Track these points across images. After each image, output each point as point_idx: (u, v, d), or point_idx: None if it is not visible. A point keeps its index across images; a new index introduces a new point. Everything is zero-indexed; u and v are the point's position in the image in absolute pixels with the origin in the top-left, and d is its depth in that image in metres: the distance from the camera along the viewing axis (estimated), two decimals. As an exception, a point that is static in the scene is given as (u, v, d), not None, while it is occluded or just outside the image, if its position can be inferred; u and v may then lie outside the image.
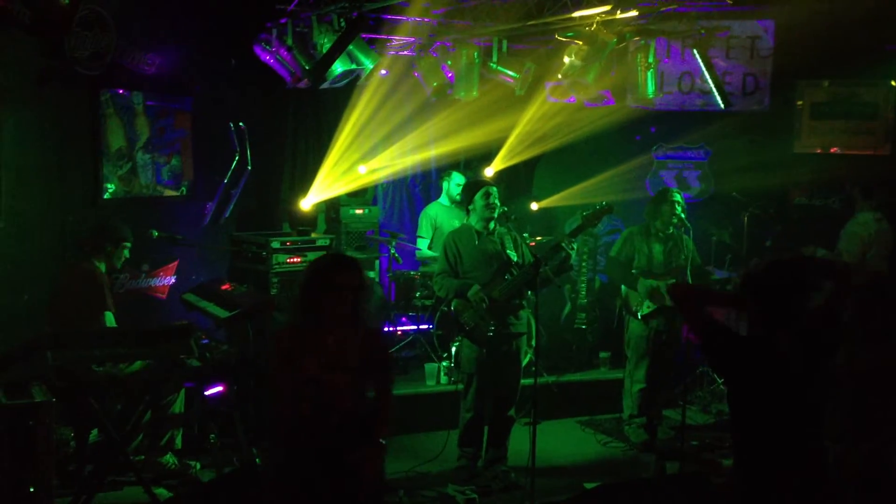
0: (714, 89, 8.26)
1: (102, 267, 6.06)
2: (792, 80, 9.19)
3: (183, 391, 6.06)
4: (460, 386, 6.34)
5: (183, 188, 7.77)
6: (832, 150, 9.19)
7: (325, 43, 7.19)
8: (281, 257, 7.09)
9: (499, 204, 6.20)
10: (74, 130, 6.91)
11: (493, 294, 6.02)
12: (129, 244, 6.14)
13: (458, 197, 7.96)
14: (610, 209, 6.38)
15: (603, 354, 8.27)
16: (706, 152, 9.66)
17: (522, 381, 6.38)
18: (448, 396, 6.54)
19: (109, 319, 5.86)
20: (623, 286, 7.11)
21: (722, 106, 8.34)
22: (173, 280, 7.58)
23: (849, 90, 9.17)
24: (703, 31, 8.31)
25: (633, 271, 6.99)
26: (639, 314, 6.93)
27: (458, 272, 6.17)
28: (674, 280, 6.88)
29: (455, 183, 8.07)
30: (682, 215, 6.89)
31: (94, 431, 5.97)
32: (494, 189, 6.23)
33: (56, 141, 6.78)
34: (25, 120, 6.54)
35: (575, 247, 6.14)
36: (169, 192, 7.66)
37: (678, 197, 6.98)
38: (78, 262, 6.08)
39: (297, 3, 7.16)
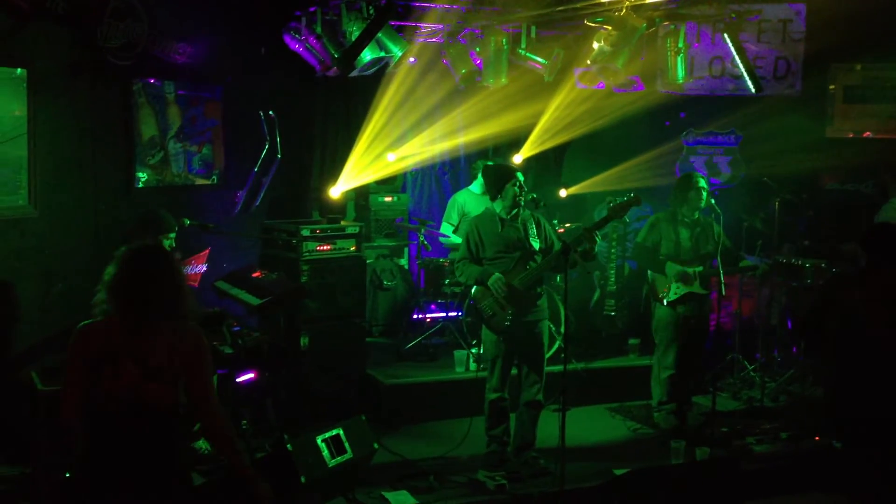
0: (745, 74, 8.17)
1: None
2: (824, 64, 9.08)
3: (216, 378, 6.11)
4: (485, 369, 6.36)
5: (214, 177, 7.84)
6: (865, 135, 9.08)
7: (354, 31, 7.21)
8: (311, 245, 7.13)
9: (526, 191, 6.19)
10: (107, 120, 6.99)
11: (514, 282, 6.01)
12: (173, 234, 6.19)
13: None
14: (638, 200, 6.31)
15: (632, 341, 8.25)
16: (737, 137, 9.58)
17: (551, 367, 6.38)
18: (477, 383, 6.54)
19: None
20: (649, 272, 7.08)
21: (753, 90, 8.25)
22: (205, 268, 7.66)
23: (882, 73, 9.05)
24: (733, 15, 8.21)
25: (661, 257, 6.96)
26: (665, 300, 6.90)
27: (479, 259, 6.16)
28: (701, 268, 6.84)
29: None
30: (712, 201, 6.83)
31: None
32: (521, 176, 6.21)
33: (89, 131, 6.85)
34: (58, 110, 6.62)
35: (598, 238, 6.09)
36: (200, 181, 7.73)
37: (703, 182, 6.93)
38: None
39: (326, -9, 7.20)
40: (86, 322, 3.64)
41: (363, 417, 5.81)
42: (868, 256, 5.17)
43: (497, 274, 6.00)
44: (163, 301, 3.59)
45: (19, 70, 6.38)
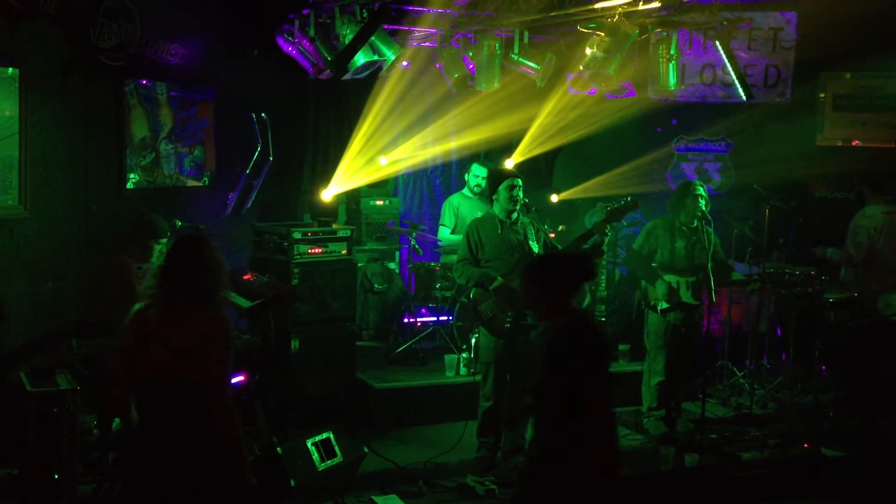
0: (736, 81, 8.21)
1: (138, 259, 6.13)
2: (814, 73, 9.14)
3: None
4: (479, 377, 6.36)
5: (205, 178, 7.83)
6: (854, 143, 9.14)
7: (347, 34, 7.21)
8: (302, 248, 7.12)
9: (522, 196, 6.21)
10: (99, 120, 6.97)
11: (513, 285, 6.03)
12: (164, 240, 6.18)
13: (476, 189, 7.97)
14: (635, 204, 6.34)
15: (622, 347, 8.27)
16: (727, 145, 9.63)
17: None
18: (467, 388, 6.56)
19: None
20: (642, 281, 7.10)
21: (744, 98, 8.29)
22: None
23: (872, 83, 9.12)
24: (725, 23, 8.24)
25: (654, 265, 6.98)
26: (658, 307, 6.92)
27: (478, 260, 6.19)
28: (695, 278, 6.85)
29: (474, 174, 8.08)
30: (706, 209, 6.86)
31: (118, 420, 6.03)
32: (519, 181, 6.24)
33: (80, 131, 6.84)
34: (50, 110, 6.61)
35: (609, 233, 6.13)
36: (192, 183, 7.72)
37: (702, 190, 6.94)
38: (112, 256, 6.13)
39: (318, -6, 7.19)
40: (138, 306, 3.98)
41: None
42: None
43: (499, 279, 6.01)
44: (193, 287, 3.81)
45: (11, 70, 6.36)
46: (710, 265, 6.69)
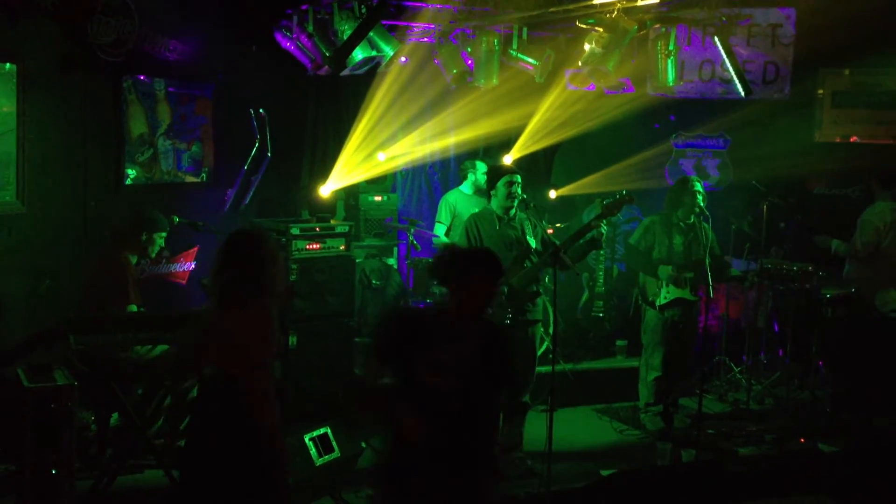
0: (735, 77, 8.20)
1: (134, 259, 6.16)
2: (813, 69, 9.14)
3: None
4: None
5: (203, 174, 7.82)
6: (852, 140, 9.14)
7: (345, 30, 7.20)
8: (300, 244, 7.11)
9: (520, 192, 6.22)
10: (97, 116, 6.96)
11: (512, 281, 6.04)
12: (164, 234, 6.21)
13: (484, 185, 7.97)
14: (630, 199, 6.35)
15: (620, 342, 8.28)
16: (725, 141, 9.63)
17: (540, 368, 6.41)
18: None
19: (135, 309, 5.93)
20: (641, 275, 7.10)
21: (743, 94, 8.29)
22: (193, 266, 7.65)
23: (871, 79, 9.12)
24: (724, 19, 8.24)
25: (652, 260, 6.98)
26: (656, 303, 6.92)
27: None
28: (692, 274, 6.85)
29: (481, 171, 8.08)
30: (703, 204, 6.86)
31: (115, 415, 6.05)
32: (518, 177, 6.25)
33: (78, 127, 6.82)
34: (48, 106, 6.59)
35: (605, 229, 6.13)
36: (190, 179, 7.72)
37: (699, 186, 6.95)
38: (109, 251, 6.15)
39: (318, -10, 7.18)
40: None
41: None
42: None
43: None
44: (248, 280, 3.91)
45: (8, 65, 6.34)
46: (707, 261, 6.70)
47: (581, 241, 6.12)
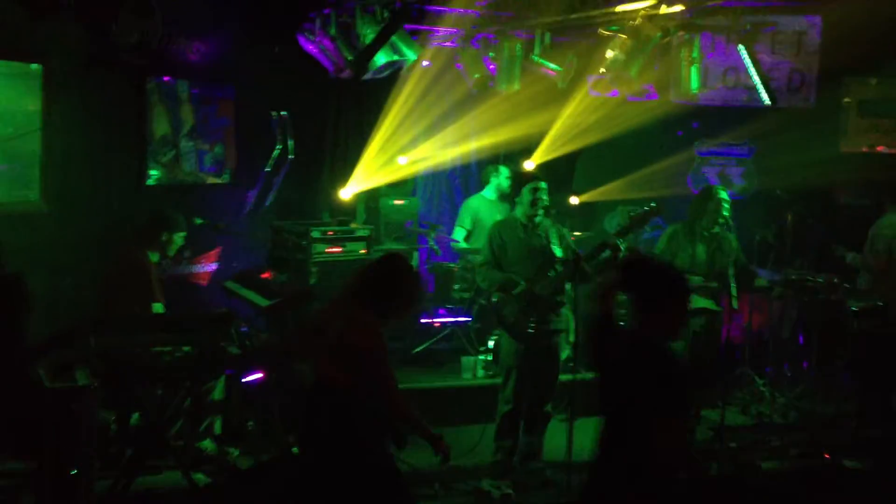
0: (759, 85, 8.12)
1: (155, 257, 6.17)
2: (839, 77, 9.05)
3: (223, 378, 6.10)
4: (498, 380, 6.33)
5: (225, 175, 7.83)
6: (878, 149, 9.04)
7: (368, 33, 7.19)
8: (321, 247, 7.11)
9: (545, 199, 6.17)
10: (120, 117, 6.99)
11: (536, 289, 6.00)
12: (183, 234, 6.23)
13: (508, 190, 7.93)
14: (658, 211, 6.27)
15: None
16: (750, 149, 9.55)
17: (560, 376, 6.35)
18: (484, 390, 6.53)
19: (157, 310, 5.93)
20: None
21: (767, 102, 8.20)
22: (215, 267, 7.64)
23: (898, 88, 9.02)
24: (748, 26, 8.17)
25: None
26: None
27: (501, 264, 6.15)
28: (716, 284, 6.77)
29: (505, 176, 8.04)
30: (727, 214, 6.77)
31: (135, 415, 6.04)
32: (543, 184, 6.21)
33: (102, 127, 6.86)
34: (72, 106, 6.62)
35: (623, 246, 6.06)
36: (212, 180, 7.73)
37: (724, 195, 6.85)
38: (129, 251, 6.16)
39: (340, -7, 7.18)
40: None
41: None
42: None
43: (522, 284, 5.98)
44: (373, 295, 4.15)
45: (34, 65, 6.38)
46: (731, 271, 6.61)
47: (602, 256, 6.05)
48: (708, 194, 6.92)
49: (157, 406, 5.82)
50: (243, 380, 5.93)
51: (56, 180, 6.52)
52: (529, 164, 8.93)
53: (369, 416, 4.15)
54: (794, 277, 7.79)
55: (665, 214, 8.58)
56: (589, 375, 7.67)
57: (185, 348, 5.74)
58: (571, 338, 6.67)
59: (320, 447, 4.17)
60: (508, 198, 7.86)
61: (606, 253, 6.01)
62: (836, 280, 7.67)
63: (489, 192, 8.17)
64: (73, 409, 4.83)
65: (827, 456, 6.58)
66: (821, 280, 7.72)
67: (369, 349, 4.11)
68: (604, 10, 7.44)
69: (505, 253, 6.13)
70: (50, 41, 6.42)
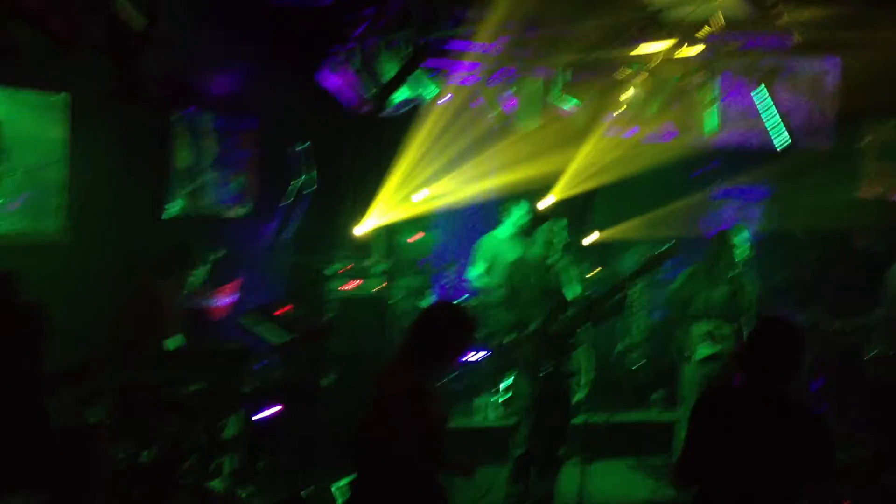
0: (777, 127, 8.13)
1: (173, 292, 6.17)
2: (858, 120, 9.01)
3: (237, 415, 6.09)
4: (511, 421, 6.30)
5: (246, 207, 7.87)
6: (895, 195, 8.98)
7: (390, 69, 7.24)
8: (338, 282, 7.12)
9: (563, 237, 6.18)
10: (144, 148, 7.04)
11: (550, 331, 5.99)
12: (201, 270, 6.22)
13: (524, 226, 7.92)
14: (675, 251, 6.26)
15: (655, 396, 8.14)
16: (768, 190, 9.51)
17: (574, 420, 6.33)
18: (496, 432, 6.49)
19: (174, 344, 5.93)
20: (680, 328, 6.99)
21: (785, 144, 8.20)
22: (232, 299, 7.63)
23: (917, 132, 8.97)
24: (767, 68, 8.19)
25: (692, 312, 6.86)
26: (694, 358, 6.81)
27: (516, 305, 6.15)
28: (731, 327, 6.72)
29: (524, 212, 8.05)
30: (742, 258, 6.74)
31: (145, 452, 6.03)
32: (561, 223, 6.21)
33: (125, 158, 6.89)
34: (96, 136, 6.66)
35: (635, 289, 6.06)
36: (233, 212, 7.78)
37: (739, 239, 6.83)
38: (147, 283, 6.16)
39: (364, 29, 7.22)
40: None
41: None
42: None
43: (534, 325, 5.98)
44: (407, 352, 3.99)
45: (59, 95, 6.43)
46: (752, 313, 6.57)
47: (615, 298, 6.05)
48: (722, 239, 6.88)
49: (170, 442, 5.80)
50: (257, 417, 5.91)
51: (79, 210, 6.56)
52: (548, 201, 8.92)
53: (413, 481, 3.99)
54: (809, 323, 7.74)
55: (684, 254, 8.58)
56: (602, 419, 7.65)
57: (200, 384, 5.77)
58: (583, 380, 6.64)
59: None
60: (525, 234, 7.86)
61: (617, 297, 6.01)
62: (852, 326, 7.62)
63: (507, 229, 8.17)
64: (83, 447, 4.83)
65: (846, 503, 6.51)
66: (837, 325, 7.67)
67: (398, 418, 3.91)
68: (624, 51, 7.47)
69: (519, 294, 6.13)
70: (75, 72, 6.47)
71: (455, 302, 8.13)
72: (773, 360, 3.80)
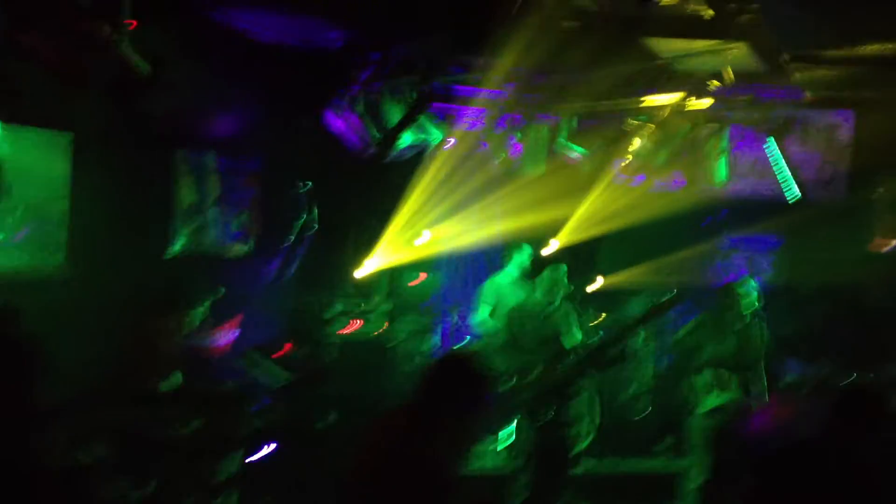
0: (788, 178, 8.07)
1: (174, 330, 6.12)
2: (871, 173, 8.94)
3: (234, 456, 5.99)
4: (510, 469, 6.19)
5: (249, 246, 7.86)
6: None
7: (394, 114, 7.25)
8: (341, 322, 7.06)
9: (566, 283, 6.14)
10: (146, 186, 7.03)
11: (552, 377, 5.91)
12: (201, 309, 6.18)
13: (527, 270, 7.86)
14: (679, 300, 6.20)
15: (661, 445, 7.99)
16: (778, 240, 9.42)
17: (578, 466, 6.22)
18: (498, 478, 6.36)
19: (169, 383, 5.87)
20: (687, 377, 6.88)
21: (795, 195, 8.14)
22: (233, 337, 7.58)
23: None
24: (779, 120, 8.16)
25: (701, 361, 6.75)
26: (702, 406, 6.68)
27: (518, 350, 6.09)
28: (740, 375, 6.61)
29: (527, 255, 7.99)
30: (750, 311, 6.64)
31: (138, 494, 5.93)
32: (564, 267, 6.17)
33: (129, 195, 6.88)
34: (100, 174, 6.65)
35: (640, 337, 5.99)
36: (236, 250, 7.76)
37: (746, 290, 6.73)
38: (147, 321, 6.12)
39: (369, 73, 7.25)
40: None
41: None
42: None
43: (536, 371, 5.91)
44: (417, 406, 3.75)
45: (63, 133, 6.45)
46: (763, 363, 6.46)
47: (616, 346, 5.99)
48: (727, 291, 6.80)
49: (166, 483, 5.71)
50: (255, 457, 5.83)
51: (81, 247, 6.53)
52: (552, 246, 8.86)
53: None
54: (819, 377, 7.61)
55: (692, 301, 8.47)
56: (607, 468, 7.50)
57: (197, 424, 5.69)
58: (587, 428, 6.52)
59: None
60: (529, 276, 7.78)
61: (621, 344, 5.95)
62: (864, 383, 7.47)
63: (511, 271, 8.11)
64: (79, 487, 4.75)
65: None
66: (849, 380, 7.53)
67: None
68: (633, 101, 7.46)
69: (522, 339, 6.07)
70: (79, 110, 6.50)
71: (457, 347, 8.12)
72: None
